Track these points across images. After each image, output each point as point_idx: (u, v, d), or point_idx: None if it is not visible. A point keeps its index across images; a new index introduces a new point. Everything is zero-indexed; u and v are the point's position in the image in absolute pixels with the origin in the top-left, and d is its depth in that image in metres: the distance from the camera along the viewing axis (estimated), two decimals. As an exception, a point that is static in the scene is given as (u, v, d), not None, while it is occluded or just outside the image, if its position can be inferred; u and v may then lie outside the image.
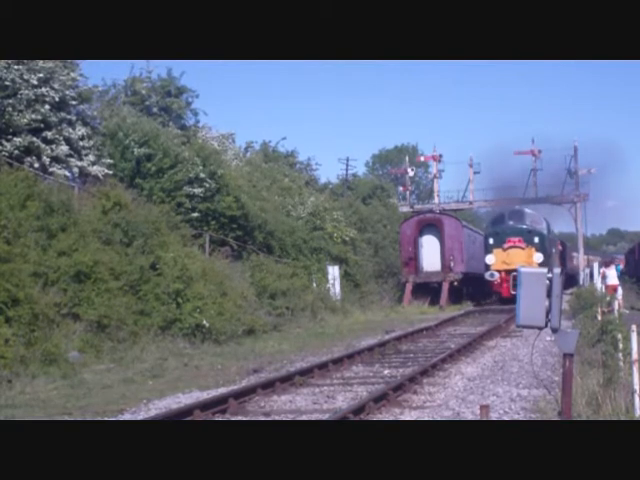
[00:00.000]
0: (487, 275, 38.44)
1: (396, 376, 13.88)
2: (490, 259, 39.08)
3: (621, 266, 43.05)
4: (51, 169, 21.04)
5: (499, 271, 38.16)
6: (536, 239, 39.23)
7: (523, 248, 38.72)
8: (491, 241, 39.63)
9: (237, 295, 23.49)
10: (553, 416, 8.16)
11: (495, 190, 57.04)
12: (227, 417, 10.61)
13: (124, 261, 19.26)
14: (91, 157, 22.93)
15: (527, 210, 42.72)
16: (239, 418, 10.44)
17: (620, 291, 20.51)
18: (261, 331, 22.99)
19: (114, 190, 21.58)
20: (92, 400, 12.30)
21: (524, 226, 39.89)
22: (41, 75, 21.44)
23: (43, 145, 21.23)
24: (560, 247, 52.13)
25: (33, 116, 21.09)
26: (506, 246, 38.77)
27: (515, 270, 34.11)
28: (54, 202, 18.83)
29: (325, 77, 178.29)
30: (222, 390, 12.81)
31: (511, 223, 40.13)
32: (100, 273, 17.81)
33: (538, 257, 38.23)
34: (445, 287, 38.75)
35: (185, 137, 30.43)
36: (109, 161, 24.11)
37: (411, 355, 17.57)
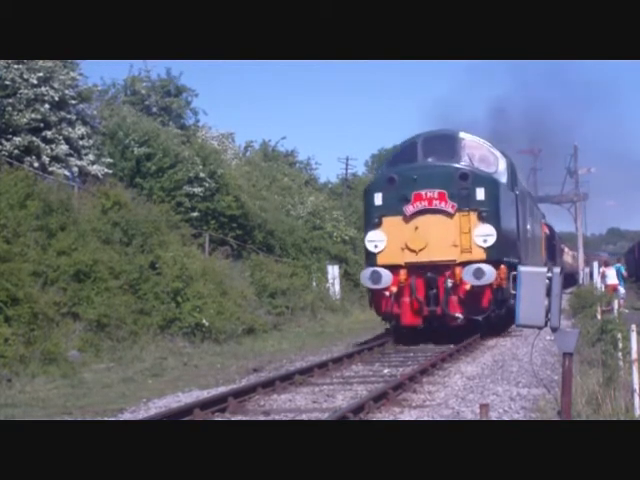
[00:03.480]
0: (365, 278, 18.79)
1: (396, 375, 13.88)
2: (374, 240, 18.86)
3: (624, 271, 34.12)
4: (51, 168, 21.04)
5: (394, 268, 18.45)
6: (480, 194, 18.51)
7: (451, 214, 18.42)
8: (378, 200, 19.01)
9: (237, 294, 23.50)
10: (553, 415, 8.16)
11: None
12: (227, 416, 10.61)
13: (124, 260, 19.27)
14: (91, 156, 22.93)
15: (463, 134, 20.51)
16: (239, 417, 10.45)
17: (622, 291, 20.41)
18: (261, 330, 22.99)
19: (114, 189, 21.58)
20: (92, 399, 12.30)
21: (455, 165, 19.23)
22: (41, 74, 21.44)
23: (43, 144, 21.23)
24: (547, 231, 37.28)
25: (33, 115, 21.09)
26: (411, 210, 18.54)
27: (436, 267, 18.68)
28: (54, 201, 18.83)
29: (325, 77, 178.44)
30: (222, 389, 12.81)
31: (430, 160, 19.47)
32: (100, 272, 17.81)
33: (484, 233, 18.29)
34: None
35: (185, 136, 30.43)
36: (109, 160, 24.11)
37: (411, 354, 17.56)
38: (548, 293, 6.55)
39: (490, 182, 19.19)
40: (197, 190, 27.01)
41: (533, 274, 6.70)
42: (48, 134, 21.51)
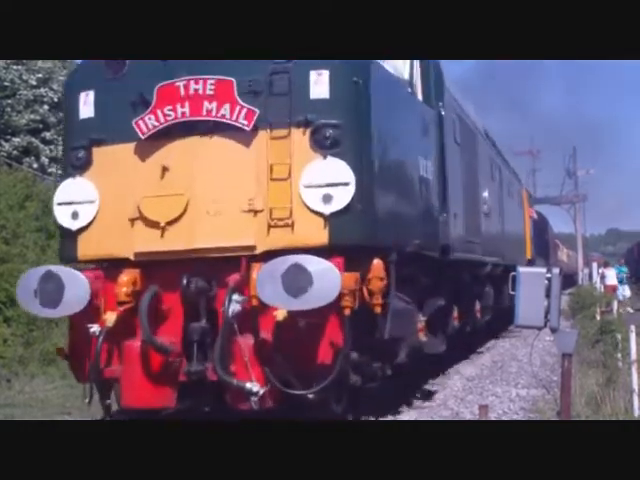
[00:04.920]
0: (23, 291, 8.27)
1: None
2: (71, 202, 7.87)
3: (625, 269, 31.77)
4: (50, 169, 21.07)
5: (111, 266, 7.61)
6: (320, 86, 6.91)
7: (247, 135, 7.00)
8: (86, 110, 7.68)
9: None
10: (552, 416, 8.16)
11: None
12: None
13: (123, 261, 19.24)
14: (90, 157, 22.92)
15: None
16: (239, 418, 10.41)
17: (618, 292, 20.46)
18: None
19: (113, 190, 21.56)
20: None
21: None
22: (40, 75, 21.48)
23: (42, 145, 21.27)
24: (536, 217, 29.93)
25: (32, 116, 21.13)
26: (152, 126, 7.13)
27: (209, 266, 7.37)
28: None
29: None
30: (221, 390, 12.77)
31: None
32: (99, 273, 17.79)
33: (325, 179, 6.81)
34: None
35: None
36: (108, 161, 24.10)
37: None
38: (547, 294, 6.59)
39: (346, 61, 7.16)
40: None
41: (532, 274, 6.75)
42: (47, 135, 21.54)
